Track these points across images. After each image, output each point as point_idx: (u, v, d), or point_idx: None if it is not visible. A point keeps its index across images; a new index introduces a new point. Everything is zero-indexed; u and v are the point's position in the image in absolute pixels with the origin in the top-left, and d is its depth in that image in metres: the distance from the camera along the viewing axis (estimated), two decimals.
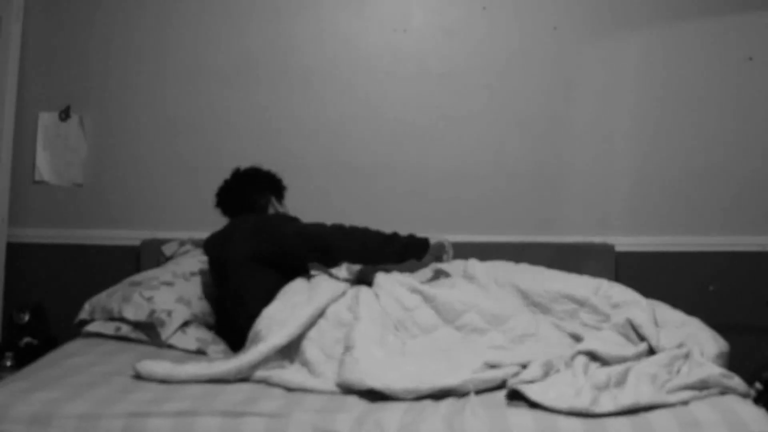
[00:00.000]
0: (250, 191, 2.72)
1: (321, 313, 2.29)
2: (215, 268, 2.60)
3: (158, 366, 2.12)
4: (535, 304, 2.45)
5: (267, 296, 2.39)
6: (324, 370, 2.15)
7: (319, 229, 2.51)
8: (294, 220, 2.62)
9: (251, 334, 2.27)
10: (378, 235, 2.52)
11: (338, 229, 2.51)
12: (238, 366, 2.12)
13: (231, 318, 2.51)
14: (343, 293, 2.39)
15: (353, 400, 2.00)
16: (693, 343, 2.16)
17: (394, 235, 2.56)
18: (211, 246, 2.62)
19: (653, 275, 3.17)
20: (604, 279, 2.49)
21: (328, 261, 2.52)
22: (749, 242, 3.21)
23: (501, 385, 2.02)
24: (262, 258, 2.47)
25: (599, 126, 3.23)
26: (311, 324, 2.26)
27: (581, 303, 2.38)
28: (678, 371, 2.05)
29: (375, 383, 1.99)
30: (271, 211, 2.74)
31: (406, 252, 2.56)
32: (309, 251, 2.48)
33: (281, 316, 2.27)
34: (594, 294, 2.38)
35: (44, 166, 3.29)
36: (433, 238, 2.61)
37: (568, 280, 2.50)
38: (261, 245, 2.47)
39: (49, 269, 3.28)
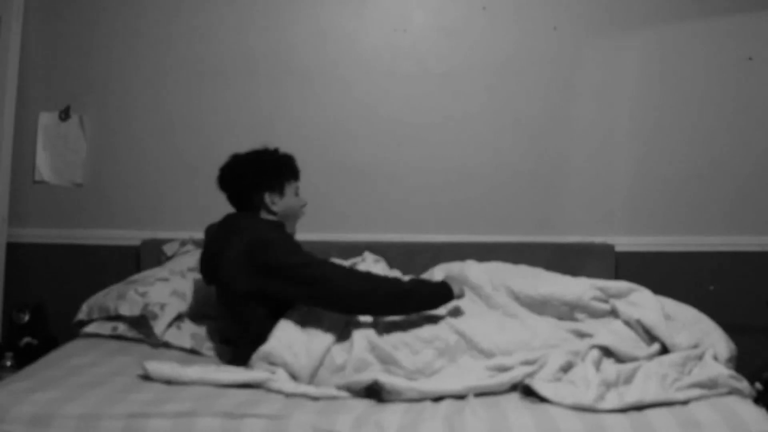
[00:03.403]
0: (242, 190, 2.50)
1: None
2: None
3: (166, 366, 2.13)
4: (527, 306, 2.45)
5: (271, 317, 2.27)
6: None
7: (333, 274, 2.26)
8: (290, 252, 2.31)
9: (262, 353, 2.19)
10: (395, 286, 2.29)
11: (352, 276, 2.30)
12: (245, 379, 2.12)
13: (235, 332, 2.44)
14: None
15: (353, 401, 2.00)
16: (707, 343, 2.17)
17: (414, 286, 2.33)
18: (204, 266, 2.48)
19: (653, 275, 3.15)
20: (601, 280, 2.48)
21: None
22: (749, 242, 3.21)
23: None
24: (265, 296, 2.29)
25: (599, 125, 3.23)
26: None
27: (572, 306, 2.37)
28: (690, 372, 2.05)
29: (380, 377, 2.01)
30: (263, 214, 2.48)
31: (430, 304, 2.32)
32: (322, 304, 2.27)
33: (297, 348, 2.19)
34: (589, 289, 2.37)
35: (44, 166, 3.29)
36: (450, 280, 2.41)
37: (561, 282, 2.48)
38: (267, 286, 2.26)
39: (49, 269, 3.28)
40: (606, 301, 2.35)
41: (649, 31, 3.18)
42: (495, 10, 3.20)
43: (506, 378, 2.03)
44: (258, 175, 2.50)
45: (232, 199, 2.53)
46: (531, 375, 2.03)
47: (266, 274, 2.25)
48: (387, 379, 2.01)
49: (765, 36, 3.16)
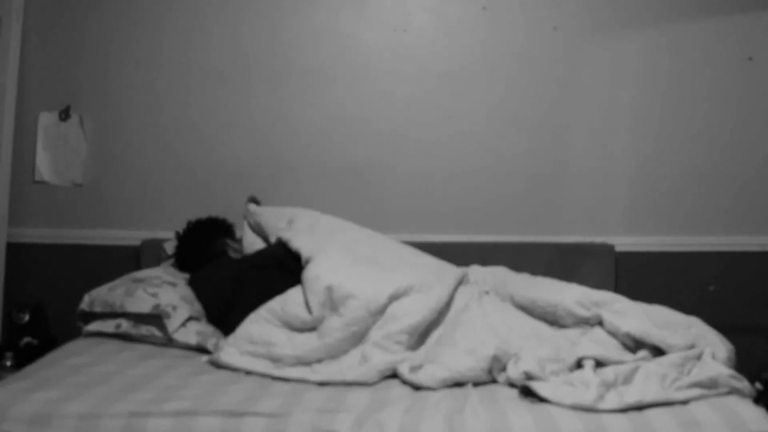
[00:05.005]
0: (204, 244, 2.86)
1: None
2: None
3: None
4: (519, 306, 2.49)
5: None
6: None
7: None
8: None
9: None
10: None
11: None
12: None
13: None
14: None
15: (353, 400, 2.00)
16: (704, 344, 2.17)
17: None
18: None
19: (653, 275, 3.17)
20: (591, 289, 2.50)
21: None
22: (749, 242, 3.21)
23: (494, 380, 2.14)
24: None
25: (599, 125, 3.22)
26: None
27: (555, 306, 2.40)
28: (689, 372, 2.05)
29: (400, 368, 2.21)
30: (230, 253, 2.87)
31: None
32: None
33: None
34: (574, 295, 2.40)
35: (44, 166, 3.29)
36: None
37: (551, 286, 2.53)
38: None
39: (49, 269, 3.27)
40: (588, 309, 2.36)
41: (649, 30, 3.18)
42: (495, 10, 3.20)
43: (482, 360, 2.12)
44: (214, 226, 2.92)
45: (198, 258, 2.83)
46: (512, 366, 2.09)
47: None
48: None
49: (765, 36, 3.16)
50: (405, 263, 2.63)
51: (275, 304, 2.41)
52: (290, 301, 2.40)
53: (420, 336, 2.33)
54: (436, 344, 2.30)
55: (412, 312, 2.33)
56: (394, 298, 2.36)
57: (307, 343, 2.28)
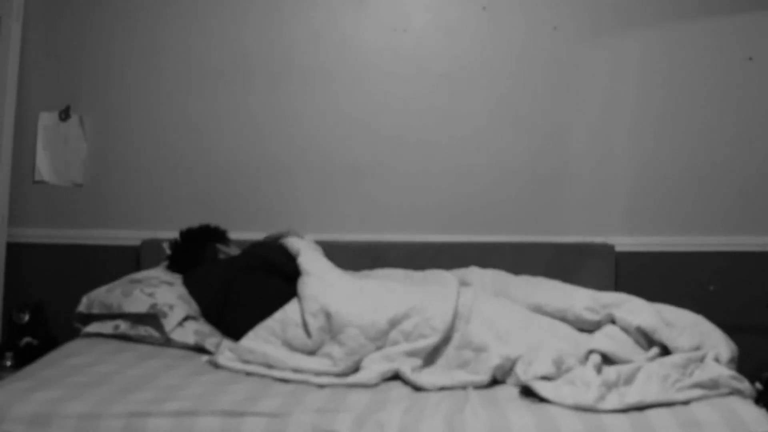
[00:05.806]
0: (195, 249, 2.84)
1: None
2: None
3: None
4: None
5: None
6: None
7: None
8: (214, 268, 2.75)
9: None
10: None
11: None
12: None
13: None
14: None
15: (353, 400, 2.00)
16: (709, 345, 2.17)
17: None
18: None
19: (653, 275, 3.17)
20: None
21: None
22: (749, 242, 3.21)
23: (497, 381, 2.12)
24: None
25: (599, 125, 3.23)
26: None
27: (564, 312, 2.39)
28: (691, 374, 2.05)
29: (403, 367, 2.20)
30: (221, 256, 2.83)
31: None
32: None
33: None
34: (583, 299, 2.39)
35: (44, 166, 3.29)
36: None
37: (557, 290, 2.52)
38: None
39: (49, 269, 3.28)
40: (597, 312, 2.35)
41: (650, 31, 3.19)
42: (495, 10, 3.20)
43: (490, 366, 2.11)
44: (206, 233, 2.89)
45: (190, 262, 2.80)
46: (525, 368, 2.05)
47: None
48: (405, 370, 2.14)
49: (765, 36, 3.16)
50: (402, 285, 2.60)
51: (275, 324, 2.38)
52: (289, 322, 2.37)
53: (428, 355, 2.29)
54: (442, 367, 2.27)
55: (414, 337, 2.28)
56: (394, 323, 2.29)
57: (308, 365, 2.26)
